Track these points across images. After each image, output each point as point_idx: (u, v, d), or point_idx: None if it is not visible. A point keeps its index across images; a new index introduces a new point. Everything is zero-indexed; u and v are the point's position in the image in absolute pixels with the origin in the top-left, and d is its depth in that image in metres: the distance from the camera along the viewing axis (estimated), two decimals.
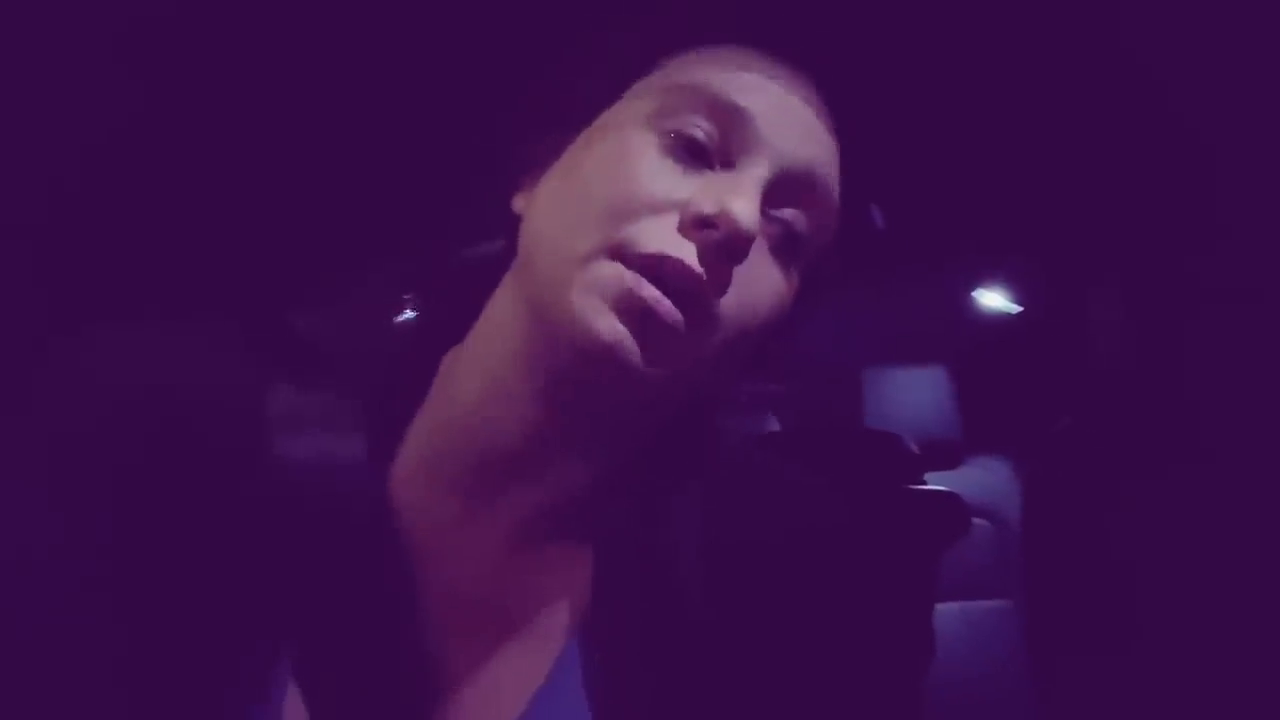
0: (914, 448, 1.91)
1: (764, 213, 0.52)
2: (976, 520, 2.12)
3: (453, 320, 0.56)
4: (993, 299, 3.15)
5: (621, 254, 0.49)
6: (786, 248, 0.53)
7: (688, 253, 0.49)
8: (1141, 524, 1.45)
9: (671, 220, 0.50)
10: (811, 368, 2.65)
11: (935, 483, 1.96)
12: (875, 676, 0.56)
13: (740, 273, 0.50)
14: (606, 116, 0.55)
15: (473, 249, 0.59)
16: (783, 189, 0.52)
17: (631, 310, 0.48)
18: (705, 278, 0.49)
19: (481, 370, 0.53)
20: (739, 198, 0.49)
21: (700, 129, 0.51)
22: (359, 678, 0.48)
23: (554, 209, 0.53)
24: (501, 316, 0.54)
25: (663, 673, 0.51)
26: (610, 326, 0.48)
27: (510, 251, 0.56)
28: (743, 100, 0.52)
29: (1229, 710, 1.28)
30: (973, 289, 3.13)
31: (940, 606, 2.06)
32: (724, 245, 0.49)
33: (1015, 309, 3.12)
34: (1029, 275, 2.97)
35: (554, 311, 0.50)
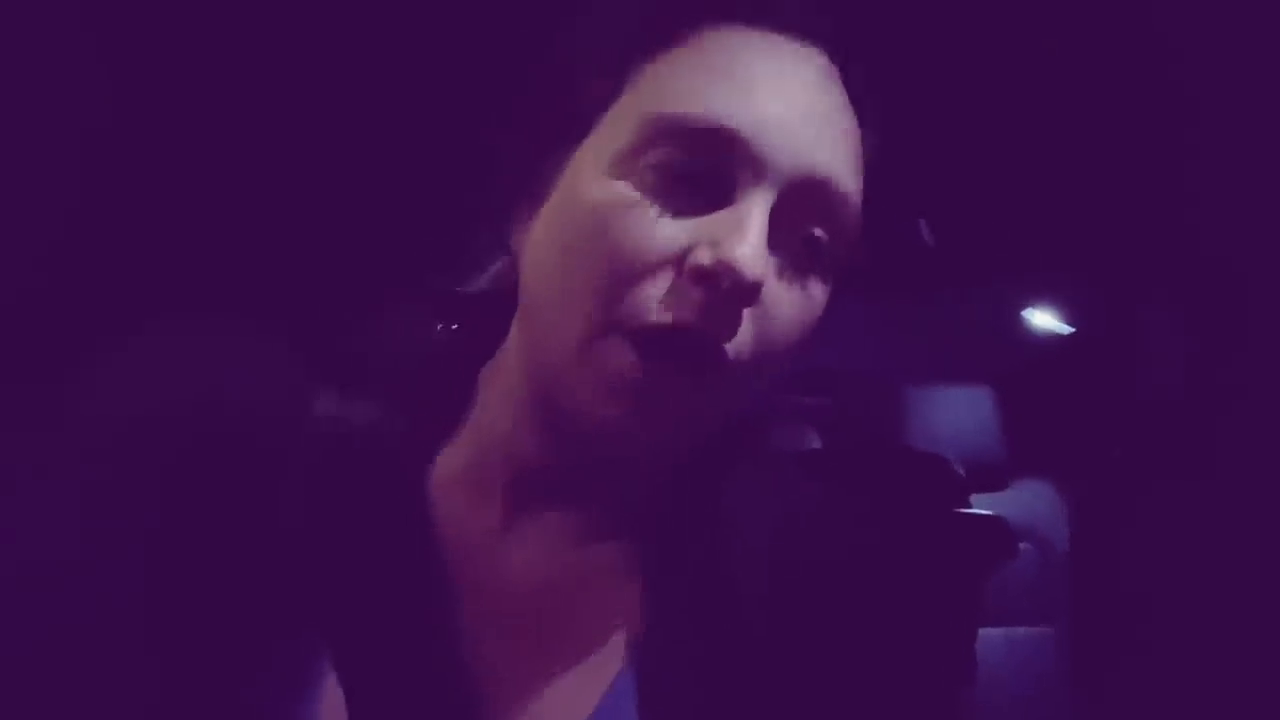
0: (959, 469, 1.88)
1: (775, 233, 0.47)
2: (1021, 544, 2.08)
3: (489, 333, 0.55)
4: (1043, 319, 3.11)
5: (623, 328, 0.45)
6: (806, 263, 0.48)
7: (694, 312, 0.45)
8: (1189, 555, 1.42)
9: (669, 276, 0.45)
10: (856, 385, 2.63)
11: (980, 505, 1.93)
12: (916, 701, 0.55)
13: (755, 308, 0.46)
14: (583, 153, 0.49)
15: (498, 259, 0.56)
16: (793, 202, 0.47)
17: (640, 392, 0.46)
18: (717, 333, 0.46)
19: (510, 398, 0.52)
20: (739, 243, 0.44)
21: (684, 161, 0.46)
22: (399, 680, 0.48)
23: (544, 272, 0.49)
24: (516, 358, 0.52)
25: (712, 690, 0.50)
26: (615, 414, 0.46)
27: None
28: (731, 118, 0.45)
29: None
30: (1023, 308, 3.10)
31: (983, 631, 2.03)
32: (730, 295, 0.45)
33: (1066, 329, 3.07)
34: (1082, 295, 2.92)
35: (555, 394, 0.48)
